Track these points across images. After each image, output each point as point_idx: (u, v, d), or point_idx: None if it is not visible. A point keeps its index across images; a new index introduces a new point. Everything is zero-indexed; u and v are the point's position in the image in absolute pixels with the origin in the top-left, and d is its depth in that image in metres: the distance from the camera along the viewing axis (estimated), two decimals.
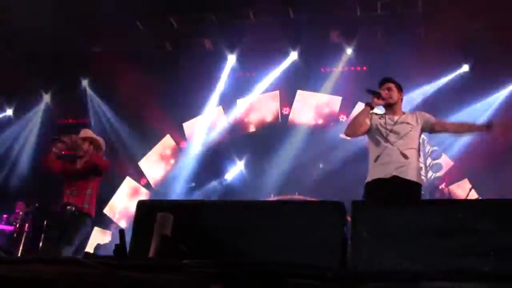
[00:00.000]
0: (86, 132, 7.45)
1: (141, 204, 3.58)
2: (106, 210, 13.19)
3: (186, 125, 13.96)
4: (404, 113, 5.57)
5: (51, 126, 13.97)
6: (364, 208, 3.15)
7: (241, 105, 13.73)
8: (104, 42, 12.73)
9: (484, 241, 2.95)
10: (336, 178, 11.29)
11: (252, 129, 13.74)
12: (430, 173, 10.90)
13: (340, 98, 12.88)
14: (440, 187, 10.47)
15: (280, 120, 13.50)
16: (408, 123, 5.37)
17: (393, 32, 12.02)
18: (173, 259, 2.66)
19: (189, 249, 2.91)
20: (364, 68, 12.92)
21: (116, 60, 13.00)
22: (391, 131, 5.32)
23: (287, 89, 13.38)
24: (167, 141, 14.02)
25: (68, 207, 6.86)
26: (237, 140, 13.61)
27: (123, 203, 13.52)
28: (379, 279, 2.29)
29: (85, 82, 13.96)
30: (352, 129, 5.51)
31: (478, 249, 2.93)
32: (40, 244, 10.00)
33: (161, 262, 2.63)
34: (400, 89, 5.64)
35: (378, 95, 5.41)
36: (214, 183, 12.97)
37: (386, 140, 5.31)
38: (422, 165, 10.74)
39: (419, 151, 5.51)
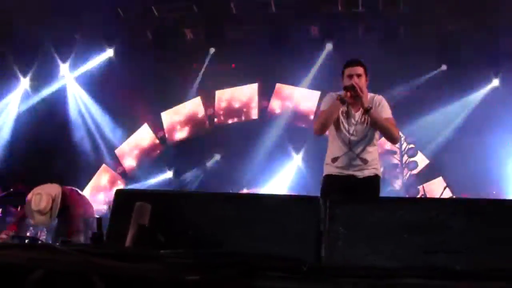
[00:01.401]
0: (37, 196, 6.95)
1: (119, 193, 3.57)
2: None
3: (164, 115, 13.90)
4: (369, 97, 5.10)
5: (28, 113, 13.84)
6: (340, 203, 3.18)
7: (220, 96, 13.71)
8: (85, 28, 12.60)
9: (457, 239, 3.00)
10: (314, 172, 11.34)
11: (230, 120, 13.73)
12: (405, 171, 11.01)
13: (319, 92, 12.91)
14: (415, 184, 10.58)
15: (258, 113, 13.50)
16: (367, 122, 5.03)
17: (373, 30, 12.08)
18: (150, 248, 2.67)
19: (166, 239, 2.92)
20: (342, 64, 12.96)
21: (96, 46, 12.94)
22: (352, 134, 5.02)
23: (267, 82, 13.40)
24: (145, 130, 13.96)
25: None
26: (214, 131, 13.62)
27: (99, 191, 13.45)
28: (353, 274, 2.32)
29: (64, 68, 13.79)
30: (323, 127, 5.11)
31: (450, 247, 2.98)
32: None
33: (138, 251, 2.64)
34: (367, 73, 5.16)
35: (353, 89, 4.88)
36: (190, 174, 12.98)
37: (347, 145, 5.03)
38: (397, 161, 10.86)
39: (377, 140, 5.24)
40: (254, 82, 13.44)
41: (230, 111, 13.72)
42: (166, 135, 13.89)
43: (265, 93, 13.47)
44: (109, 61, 13.27)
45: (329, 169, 5.19)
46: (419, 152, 11.31)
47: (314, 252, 3.03)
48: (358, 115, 5.08)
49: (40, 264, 2.19)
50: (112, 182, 13.55)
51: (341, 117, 5.10)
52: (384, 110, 5.07)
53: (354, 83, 4.90)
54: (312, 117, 13.01)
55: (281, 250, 3.01)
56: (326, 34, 12.49)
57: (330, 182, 5.12)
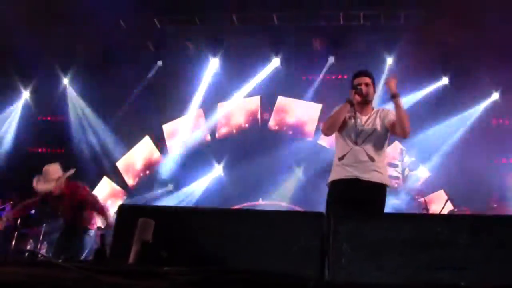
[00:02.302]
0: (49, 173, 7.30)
1: (122, 209, 3.57)
2: None
3: (165, 127, 13.89)
4: (373, 109, 5.35)
5: (31, 122, 13.87)
6: (345, 220, 3.17)
7: (222, 109, 13.71)
8: (87, 39, 12.61)
9: (461, 255, 2.99)
10: (315, 185, 11.33)
11: (232, 133, 13.71)
12: (407, 184, 10.99)
13: (321, 106, 12.92)
14: (417, 197, 10.54)
15: (260, 125, 13.50)
16: (375, 123, 5.20)
17: (375, 43, 12.11)
18: (154, 265, 2.66)
19: (170, 256, 2.91)
20: (345, 76, 12.98)
21: (98, 59, 12.95)
22: (360, 132, 5.14)
23: (269, 95, 13.40)
24: (146, 142, 13.94)
25: None
26: (216, 144, 13.60)
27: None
28: None
29: (66, 80, 13.81)
30: (332, 127, 5.20)
31: (454, 263, 2.97)
32: (13, 242, 9.91)
33: (141, 268, 2.62)
34: (374, 84, 5.41)
35: (360, 91, 5.17)
36: (190, 187, 12.99)
37: (354, 141, 5.12)
38: (399, 174, 10.85)
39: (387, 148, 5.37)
40: (257, 95, 13.42)
41: (232, 124, 13.70)
42: (167, 147, 13.86)
43: (267, 106, 13.46)
44: (111, 72, 13.28)
45: (336, 170, 5.20)
46: (420, 165, 11.30)
47: (318, 269, 3.02)
48: (365, 119, 5.23)
49: (42, 282, 2.18)
50: (113, 195, 13.51)
51: (348, 120, 5.22)
52: (387, 113, 5.21)
53: (362, 88, 5.17)
54: (313, 128, 13.00)
55: (285, 266, 3.00)
56: (328, 47, 12.50)
57: (335, 191, 5.12)
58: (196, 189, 13.00)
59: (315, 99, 13.02)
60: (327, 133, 5.34)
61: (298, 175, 12.53)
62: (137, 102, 13.23)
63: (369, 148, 5.08)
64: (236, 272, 2.42)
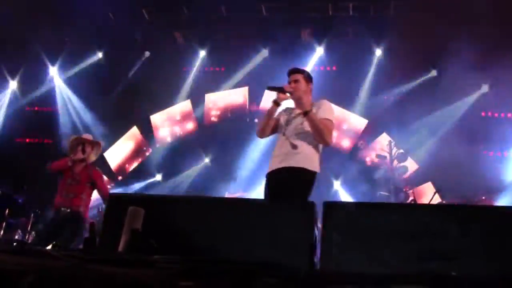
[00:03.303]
0: (88, 136, 7.58)
1: (112, 197, 3.55)
2: None
3: (153, 118, 13.84)
4: (313, 104, 5.27)
5: (17, 113, 13.78)
6: (335, 209, 3.16)
7: (210, 99, 13.66)
8: (75, 30, 12.53)
9: (452, 245, 2.99)
10: None
11: (219, 123, 13.67)
12: (395, 175, 11.00)
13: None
14: (405, 189, 10.55)
15: (248, 116, 13.47)
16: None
17: (363, 34, 12.10)
18: (143, 254, 2.64)
19: (159, 244, 2.89)
20: (334, 68, 12.98)
21: (86, 49, 12.88)
22: (290, 124, 5.23)
23: (257, 86, 13.36)
24: (134, 132, 13.88)
25: (63, 208, 6.90)
26: (204, 135, 13.56)
27: None
28: (348, 281, 2.30)
29: (53, 71, 13.72)
30: (262, 129, 5.41)
31: (445, 253, 2.97)
32: (1, 232, 9.88)
33: (131, 257, 2.61)
34: (308, 80, 5.44)
35: (280, 91, 5.21)
36: (179, 177, 12.97)
37: (283, 133, 5.22)
38: (387, 166, 10.84)
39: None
40: (245, 86, 13.38)
41: (220, 114, 13.66)
42: (155, 138, 13.82)
43: (256, 97, 13.42)
44: (99, 63, 13.21)
45: (269, 163, 5.31)
46: (408, 157, 11.31)
47: (308, 259, 3.01)
48: (298, 112, 5.27)
49: (30, 270, 2.16)
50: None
51: (286, 116, 5.38)
52: (323, 111, 5.19)
53: (284, 86, 5.24)
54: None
55: (275, 256, 2.99)
56: (317, 38, 12.49)
57: (267, 183, 5.24)
58: (184, 180, 12.97)
59: None
60: (259, 136, 5.53)
61: None
62: (125, 93, 13.17)
63: (295, 137, 5.12)
64: (225, 262, 2.41)
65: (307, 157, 5.05)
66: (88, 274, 2.16)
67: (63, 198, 6.94)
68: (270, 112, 5.29)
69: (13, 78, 13.91)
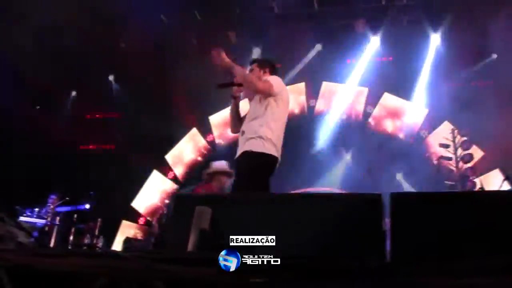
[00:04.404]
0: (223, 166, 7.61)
1: (178, 198, 3.59)
2: (134, 204, 13.31)
3: (212, 118, 13.94)
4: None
5: (79, 121, 14.08)
6: (402, 200, 3.10)
7: None
8: (130, 37, 12.73)
9: None
10: (363, 169, 11.24)
11: None
12: (460, 164, 10.76)
13: (367, 89, 12.77)
14: (471, 177, 10.30)
15: (306, 112, 13.41)
16: (255, 100, 5.32)
17: (418, 21, 11.86)
18: (212, 253, 2.65)
19: (227, 243, 2.89)
20: (390, 58, 12.77)
21: (142, 55, 13.05)
22: (244, 116, 5.40)
23: (313, 81, 13.30)
24: (194, 134, 14.03)
25: None
26: None
27: (150, 197, 13.58)
28: (421, 272, 2.26)
29: (111, 78, 14.00)
30: (231, 126, 5.60)
31: None
32: (71, 238, 10.12)
33: (199, 256, 2.62)
34: (262, 66, 5.54)
35: (231, 85, 5.38)
36: None
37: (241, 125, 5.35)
38: (451, 155, 10.58)
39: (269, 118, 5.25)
40: (301, 81, 13.32)
41: None
42: (215, 139, 13.93)
43: (313, 92, 13.35)
44: (156, 67, 13.37)
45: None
46: (473, 144, 11.02)
47: (378, 252, 2.95)
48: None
49: (101, 272, 2.19)
50: (164, 188, 13.65)
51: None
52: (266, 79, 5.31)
53: (234, 79, 5.36)
54: (361, 114, 12.87)
55: (345, 249, 2.95)
56: (371, 28, 12.32)
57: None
58: None
59: (360, 82, 12.84)
60: (232, 132, 5.76)
61: (346, 159, 12.40)
62: (183, 95, 13.29)
63: (245, 124, 5.25)
64: (295, 258, 2.39)
65: (254, 135, 5.07)
66: (157, 275, 2.18)
67: None
68: (232, 107, 5.50)
69: (72, 88, 14.22)
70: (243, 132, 5.16)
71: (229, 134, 13.52)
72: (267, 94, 5.12)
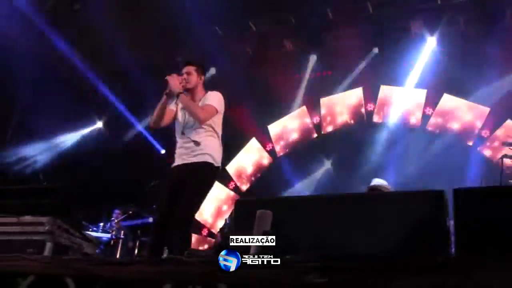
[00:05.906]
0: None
1: (239, 203, 3.64)
2: (197, 216, 13.43)
3: (271, 127, 14.01)
4: (205, 93, 5.60)
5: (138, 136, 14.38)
6: (466, 196, 3.05)
7: (325, 104, 13.63)
8: (185, 50, 12.87)
9: None
10: (424, 174, 11.08)
11: (337, 127, 13.61)
12: None
13: (425, 91, 12.58)
14: None
15: (365, 117, 13.31)
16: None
17: (476, 19, 11.62)
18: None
19: (289, 244, 2.91)
20: (446, 57, 12.50)
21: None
22: (186, 122, 5.43)
23: (370, 85, 13.20)
24: (253, 143, 14.13)
25: None
26: (323, 140, 13.57)
27: (212, 207, 13.70)
28: (486, 267, 2.22)
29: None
30: (154, 121, 5.52)
31: None
32: (136, 251, 10.30)
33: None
34: (200, 72, 5.62)
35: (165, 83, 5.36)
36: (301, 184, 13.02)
37: (182, 132, 5.43)
38: None
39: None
40: (358, 86, 13.24)
41: (337, 118, 13.59)
42: (275, 148, 13.98)
43: (371, 96, 13.25)
44: (211, 79, 13.50)
45: (174, 160, 5.48)
46: None
47: (442, 248, 2.92)
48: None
49: (168, 278, 2.23)
50: (228, 199, 13.73)
51: (179, 112, 5.57)
52: (208, 98, 5.48)
53: (168, 78, 5.37)
54: (420, 115, 12.68)
55: (410, 246, 2.93)
56: (427, 29, 12.13)
57: (168, 178, 5.42)
58: (306, 187, 12.99)
59: (419, 84, 12.66)
60: (152, 126, 5.66)
61: (407, 164, 12.17)
62: (240, 106, 13.38)
63: (194, 134, 5.35)
64: (358, 257, 2.39)
65: (210, 152, 5.37)
66: (222, 279, 2.21)
67: None
68: (160, 104, 5.41)
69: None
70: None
71: (289, 141, 13.66)
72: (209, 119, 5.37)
